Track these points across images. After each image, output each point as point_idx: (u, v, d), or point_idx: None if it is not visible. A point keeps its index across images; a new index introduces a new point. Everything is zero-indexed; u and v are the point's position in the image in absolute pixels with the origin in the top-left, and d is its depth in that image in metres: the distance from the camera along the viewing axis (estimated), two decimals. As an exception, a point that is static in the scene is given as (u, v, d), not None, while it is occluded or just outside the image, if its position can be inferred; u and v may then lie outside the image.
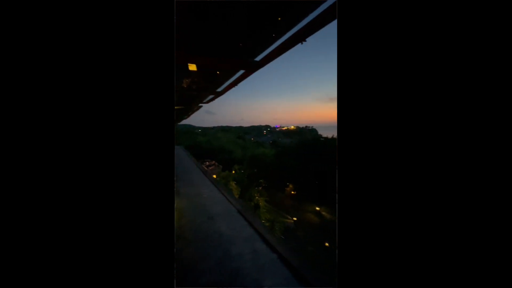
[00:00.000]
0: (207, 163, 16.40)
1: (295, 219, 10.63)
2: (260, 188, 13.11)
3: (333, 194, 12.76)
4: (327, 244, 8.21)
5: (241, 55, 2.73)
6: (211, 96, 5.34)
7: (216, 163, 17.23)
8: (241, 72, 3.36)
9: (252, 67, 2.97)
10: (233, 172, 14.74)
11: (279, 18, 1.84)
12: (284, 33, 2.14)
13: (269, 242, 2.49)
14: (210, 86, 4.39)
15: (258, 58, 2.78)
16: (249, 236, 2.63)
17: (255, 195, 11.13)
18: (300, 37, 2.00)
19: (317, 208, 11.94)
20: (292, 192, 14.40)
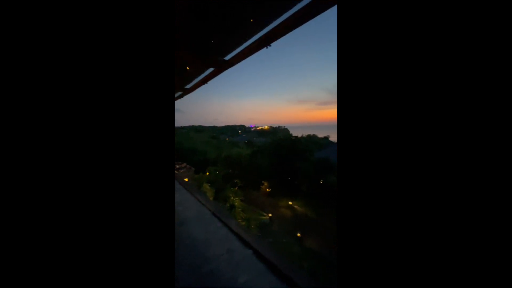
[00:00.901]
0: (177, 166, 15.18)
1: (270, 215, 11.03)
2: (236, 188, 13.02)
3: (302, 187, 13.80)
4: (299, 234, 8.86)
5: (211, 52, 2.66)
6: (179, 93, 4.98)
7: (188, 166, 16.14)
8: (211, 70, 3.27)
9: (221, 66, 2.92)
10: (207, 174, 14.14)
11: (252, 20, 1.88)
12: (254, 34, 2.20)
13: (244, 239, 2.52)
14: (178, 82, 4.09)
15: (227, 57, 2.76)
16: (224, 237, 2.60)
17: (231, 195, 11.01)
18: (268, 40, 2.09)
19: (290, 203, 12.71)
20: (267, 190, 14.86)
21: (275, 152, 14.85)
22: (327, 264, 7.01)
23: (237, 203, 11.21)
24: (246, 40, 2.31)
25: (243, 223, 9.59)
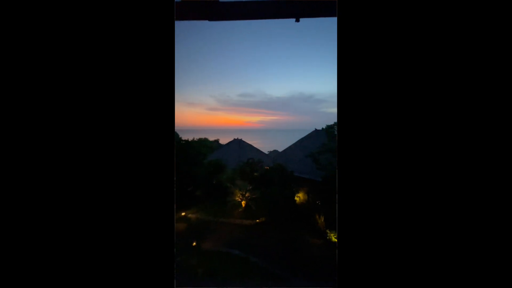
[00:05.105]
0: None
1: (158, 238, 8.96)
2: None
3: (197, 192, 13.38)
4: (194, 243, 8.45)
5: None
6: None
7: None
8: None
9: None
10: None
11: None
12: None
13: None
14: None
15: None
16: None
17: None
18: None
19: (183, 214, 11.59)
20: (152, 208, 11.87)
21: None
22: (224, 257, 7.63)
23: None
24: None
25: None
